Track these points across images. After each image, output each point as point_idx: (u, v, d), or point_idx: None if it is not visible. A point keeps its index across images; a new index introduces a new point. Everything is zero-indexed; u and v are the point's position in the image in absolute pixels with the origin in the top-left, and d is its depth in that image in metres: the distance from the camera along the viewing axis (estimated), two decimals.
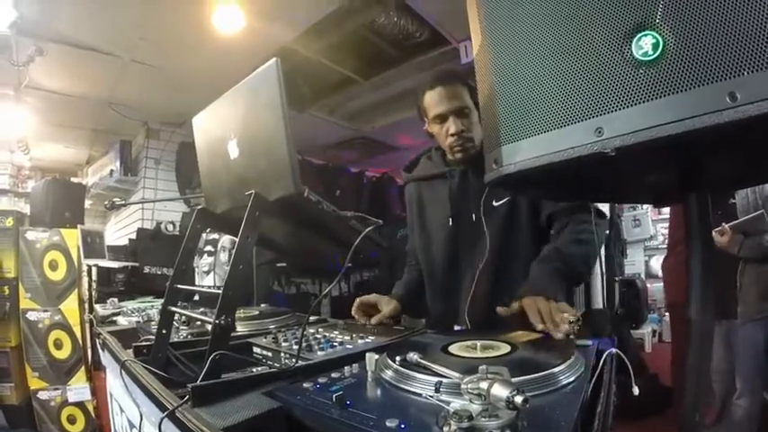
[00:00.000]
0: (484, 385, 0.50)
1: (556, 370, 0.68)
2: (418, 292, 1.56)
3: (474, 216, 1.39)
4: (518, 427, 0.50)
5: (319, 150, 5.50)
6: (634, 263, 6.17)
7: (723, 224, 2.29)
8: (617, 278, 4.57)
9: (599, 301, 4.34)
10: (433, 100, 1.36)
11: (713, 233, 2.34)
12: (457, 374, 0.59)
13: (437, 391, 0.60)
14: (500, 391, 0.48)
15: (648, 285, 5.72)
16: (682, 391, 0.79)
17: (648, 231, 6.08)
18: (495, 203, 1.36)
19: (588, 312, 3.80)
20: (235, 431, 0.58)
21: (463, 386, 0.52)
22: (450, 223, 1.44)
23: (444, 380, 0.61)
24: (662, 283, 5.87)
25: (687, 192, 0.76)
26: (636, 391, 0.79)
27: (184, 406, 0.66)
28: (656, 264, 6.33)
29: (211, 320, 0.77)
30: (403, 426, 0.53)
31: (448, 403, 0.54)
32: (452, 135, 1.35)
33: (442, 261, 1.47)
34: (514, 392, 0.48)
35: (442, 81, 1.36)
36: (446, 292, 1.47)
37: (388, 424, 0.53)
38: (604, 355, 0.83)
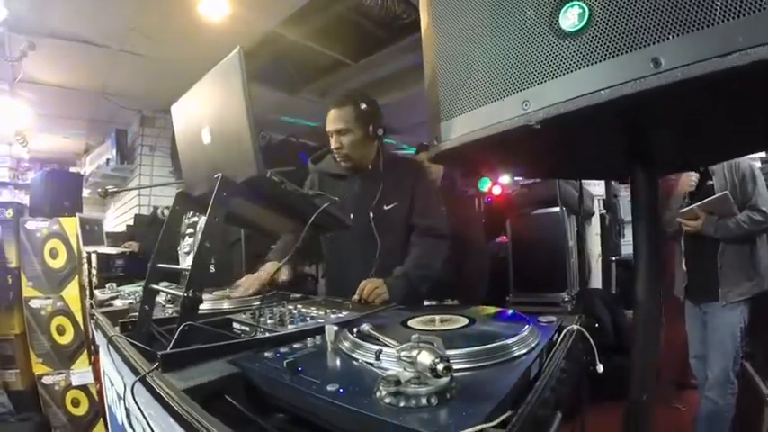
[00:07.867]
0: (414, 353, 0.52)
1: (505, 342, 0.68)
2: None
3: (365, 220, 1.62)
4: (446, 394, 0.52)
5: (314, 132, 5.49)
6: (632, 243, 6.17)
7: (693, 207, 2.19)
8: (613, 258, 4.57)
9: (595, 282, 4.37)
10: (327, 118, 1.67)
11: (686, 218, 2.25)
12: (395, 343, 0.62)
13: (377, 359, 0.64)
14: (425, 358, 0.51)
15: None
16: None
17: None
18: (385, 207, 1.61)
19: (583, 292, 3.81)
20: (194, 392, 0.63)
21: (397, 354, 0.55)
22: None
23: (385, 348, 0.65)
24: None
25: (634, 169, 0.77)
26: (600, 368, 0.82)
27: (155, 372, 0.71)
28: None
29: (181, 294, 0.82)
30: (341, 390, 0.57)
31: (387, 370, 0.57)
32: (334, 149, 1.66)
33: (343, 252, 1.71)
34: (437, 360, 0.50)
35: (335, 104, 1.66)
36: (342, 277, 1.70)
37: (328, 388, 0.57)
38: (564, 331, 0.86)
